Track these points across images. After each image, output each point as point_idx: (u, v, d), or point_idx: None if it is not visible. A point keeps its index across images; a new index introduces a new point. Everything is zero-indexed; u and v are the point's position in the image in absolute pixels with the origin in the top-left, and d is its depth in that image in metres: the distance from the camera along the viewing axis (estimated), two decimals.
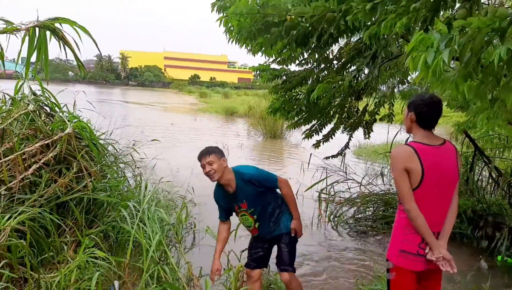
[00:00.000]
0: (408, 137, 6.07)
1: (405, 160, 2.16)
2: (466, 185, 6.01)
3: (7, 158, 2.88)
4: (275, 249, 3.20)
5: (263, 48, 3.84)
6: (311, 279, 4.22)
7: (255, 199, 2.94)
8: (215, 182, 3.03)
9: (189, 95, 55.36)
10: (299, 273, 4.30)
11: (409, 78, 5.74)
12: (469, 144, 6.35)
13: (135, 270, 3.37)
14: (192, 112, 27.13)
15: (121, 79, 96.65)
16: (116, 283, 3.08)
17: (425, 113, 2.22)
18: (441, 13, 2.34)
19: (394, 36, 2.82)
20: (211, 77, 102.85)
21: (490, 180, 6.29)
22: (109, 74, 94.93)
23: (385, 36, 2.85)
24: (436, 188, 2.20)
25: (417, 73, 1.68)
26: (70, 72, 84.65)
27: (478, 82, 1.82)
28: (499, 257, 4.77)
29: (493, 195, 6.14)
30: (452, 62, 1.88)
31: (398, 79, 5.84)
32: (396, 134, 7.00)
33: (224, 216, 3.15)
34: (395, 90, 6.22)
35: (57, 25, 2.74)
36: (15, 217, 2.61)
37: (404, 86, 6.25)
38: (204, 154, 2.86)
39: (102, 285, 2.96)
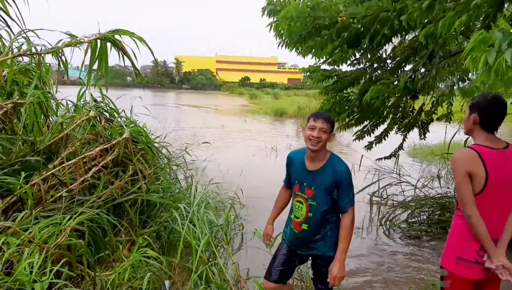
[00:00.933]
0: (468, 138, 5.72)
1: (469, 164, 2.06)
2: None
3: (70, 162, 3.06)
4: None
5: (313, 51, 3.78)
6: (361, 286, 4.09)
7: (325, 196, 2.45)
8: (285, 161, 2.70)
9: (240, 97, 56.14)
10: (347, 281, 4.19)
11: (470, 75, 5.40)
12: None
13: (184, 270, 3.45)
14: (242, 113, 27.46)
15: (175, 83, 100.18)
16: (167, 283, 3.17)
17: (490, 115, 2.10)
18: (506, 6, 2.17)
19: (453, 34, 2.66)
20: (261, 79, 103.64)
21: None
22: (164, 78, 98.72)
23: (443, 35, 2.68)
24: (499, 194, 2.08)
25: (476, 71, 1.56)
26: (128, 78, 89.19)
27: None
28: None
29: None
30: None
31: (457, 76, 5.51)
32: (455, 134, 6.61)
33: (288, 183, 2.78)
34: (455, 87, 5.88)
35: (116, 36, 2.90)
36: (75, 218, 2.76)
37: (464, 84, 5.89)
38: (323, 117, 2.43)
39: (153, 284, 3.07)
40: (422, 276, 4.21)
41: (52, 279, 2.38)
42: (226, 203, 5.55)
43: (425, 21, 2.59)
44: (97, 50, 2.71)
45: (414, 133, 6.19)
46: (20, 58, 3.16)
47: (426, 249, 5.17)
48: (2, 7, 2.55)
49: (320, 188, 2.44)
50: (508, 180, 2.08)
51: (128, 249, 3.42)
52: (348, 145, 13.33)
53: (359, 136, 5.78)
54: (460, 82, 5.78)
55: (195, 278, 3.13)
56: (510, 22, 1.46)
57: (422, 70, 3.74)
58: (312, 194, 2.48)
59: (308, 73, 5.18)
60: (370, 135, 5.77)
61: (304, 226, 2.53)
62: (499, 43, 1.33)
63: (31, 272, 2.24)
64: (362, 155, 6.65)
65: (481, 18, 2.12)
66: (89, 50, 2.70)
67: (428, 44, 2.95)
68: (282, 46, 3.60)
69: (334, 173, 2.40)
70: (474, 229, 2.07)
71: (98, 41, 2.69)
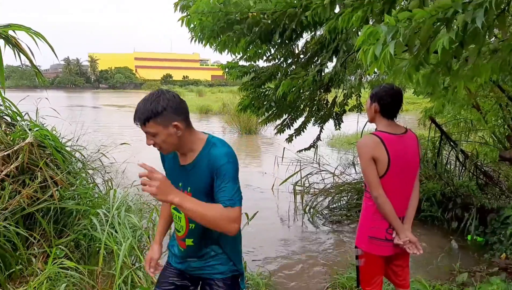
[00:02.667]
0: (376, 127, 6.20)
1: (373, 150, 2.23)
2: (434, 169, 6.19)
3: None
4: None
5: (228, 46, 3.81)
6: (288, 272, 4.26)
7: (204, 198, 1.72)
8: None
9: None
10: (277, 267, 4.34)
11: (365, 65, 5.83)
12: (436, 129, 6.53)
13: (108, 278, 3.31)
14: None
15: (91, 83, 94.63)
16: None
17: (388, 104, 2.30)
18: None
19: (354, 29, 2.86)
20: (183, 76, 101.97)
21: (457, 163, 6.50)
22: (78, 78, 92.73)
23: (345, 30, 2.88)
24: (401, 175, 2.28)
25: (367, 63, 1.71)
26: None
27: (429, 71, 1.87)
28: (469, 237, 4.95)
29: (460, 178, 6.34)
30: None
31: (364, 69, 5.92)
32: (366, 124, 7.12)
33: None
34: (363, 80, 6.32)
35: (10, 32, 2.66)
36: None
37: (371, 76, 6.36)
38: (139, 122, 1.67)
39: None
40: (345, 257, 4.49)
41: None
42: (151, 205, 5.40)
43: (329, 17, 2.75)
44: None
45: (331, 125, 6.55)
46: None
47: (347, 232, 5.54)
48: None
49: (197, 188, 1.76)
50: (408, 162, 2.30)
51: (43, 262, 3.19)
52: (271, 139, 13.70)
53: (280, 130, 5.98)
54: (368, 75, 6.22)
55: (120, 284, 3.02)
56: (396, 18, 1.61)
57: (332, 64, 3.97)
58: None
59: (227, 70, 5.21)
60: (290, 128, 5.99)
61: (189, 241, 1.88)
62: (384, 36, 1.47)
63: None
64: (284, 148, 6.88)
65: (376, 12, 2.30)
66: None
67: (334, 39, 3.15)
68: (195, 41, 3.58)
69: (209, 162, 1.72)
70: (381, 209, 2.25)
71: None
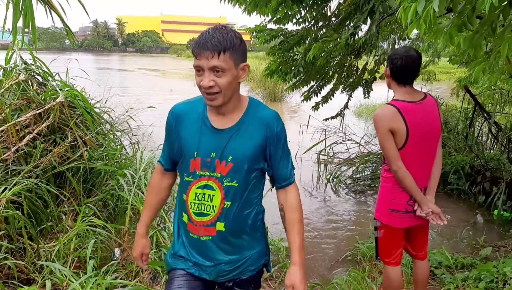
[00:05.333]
0: (394, 95, 5.98)
1: (390, 121, 2.12)
2: (465, 141, 5.99)
3: (0, 129, 2.84)
4: None
5: (258, 7, 3.69)
6: (309, 239, 4.28)
7: (251, 169, 1.49)
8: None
9: (188, 60, 54.53)
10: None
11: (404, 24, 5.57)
12: (470, 100, 6.25)
13: (134, 237, 3.41)
14: (191, 77, 26.74)
15: (118, 46, 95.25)
16: (117, 250, 3.12)
17: (400, 68, 2.14)
18: None
19: None
20: None
21: (490, 136, 6.25)
22: (106, 41, 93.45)
23: None
24: (421, 145, 2.17)
25: (407, 22, 1.59)
26: (66, 41, 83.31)
27: (472, 33, 1.73)
28: (495, 212, 4.82)
29: (492, 151, 6.11)
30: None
31: (398, 35, 5.66)
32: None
33: (169, 162, 1.64)
34: (396, 46, 6.06)
35: None
36: (11, 189, 2.60)
37: (405, 42, 6.08)
38: (210, 47, 1.34)
39: (102, 252, 3.01)
40: (367, 227, 4.47)
41: None
42: None
43: None
44: (20, 5, 2.45)
45: (359, 93, 6.37)
46: None
47: (370, 202, 5.49)
48: None
49: (241, 157, 1.46)
50: (428, 130, 2.17)
51: (72, 219, 3.30)
52: (297, 107, 13.53)
53: (306, 97, 5.86)
54: (401, 41, 5.96)
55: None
56: None
57: (365, 28, 3.78)
58: (228, 169, 1.47)
59: (254, 33, 5.08)
60: (317, 96, 5.86)
61: (220, 226, 1.50)
62: None
63: None
64: (309, 116, 6.77)
65: None
66: (11, 5, 2.43)
67: (369, 0, 2.98)
68: (225, 1, 3.47)
69: (261, 125, 1.48)
70: (401, 182, 2.17)
71: None
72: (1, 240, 2.48)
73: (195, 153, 1.49)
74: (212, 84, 1.38)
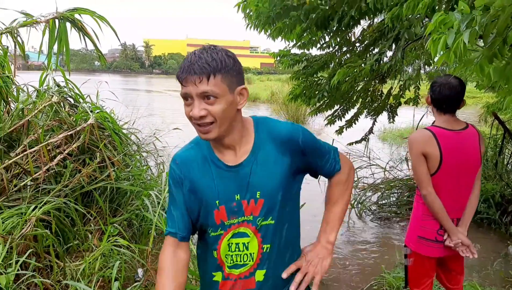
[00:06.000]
0: (434, 121, 5.90)
1: (423, 145, 2.11)
2: (495, 169, 5.80)
3: (33, 149, 2.95)
4: None
5: (282, 33, 3.76)
6: (332, 268, 4.19)
7: (285, 194, 1.29)
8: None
9: None
10: None
11: (435, 58, 5.53)
12: (498, 126, 6.09)
13: (157, 258, 3.42)
14: None
15: (145, 68, 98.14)
16: (140, 271, 3.15)
17: (441, 97, 2.13)
18: None
19: (418, 16, 2.69)
20: None
21: None
22: (134, 62, 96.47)
23: (409, 17, 2.72)
24: (455, 174, 2.13)
25: (436, 53, 1.60)
26: (96, 62, 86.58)
27: (504, 64, 1.72)
28: None
29: None
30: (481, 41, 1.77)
31: (423, 60, 5.62)
32: (422, 118, 6.79)
33: (182, 227, 1.33)
34: (421, 71, 6.01)
35: (76, 15, 2.77)
36: (40, 207, 2.68)
37: (430, 68, 6.03)
38: (197, 70, 1.14)
39: (125, 272, 3.04)
40: (392, 255, 4.35)
41: (18, 270, 2.31)
42: None
43: (392, 3, 2.61)
44: (56, 31, 2.58)
45: (384, 117, 6.31)
46: None
47: (396, 230, 5.35)
48: None
49: (270, 188, 1.25)
50: (465, 160, 2.13)
51: (98, 238, 3.36)
52: (320, 130, 13.49)
53: (330, 121, 5.84)
54: (426, 66, 5.90)
55: None
56: (471, 5, 1.49)
57: (389, 53, 3.79)
58: (260, 207, 1.26)
59: (278, 58, 5.15)
60: (341, 120, 5.83)
61: (259, 275, 1.30)
62: (458, 24, 1.36)
63: None
64: (333, 139, 6.72)
65: (445, 1, 2.15)
66: (47, 31, 2.57)
67: (395, 27, 2.99)
68: (250, 27, 3.56)
69: (282, 144, 1.27)
70: (430, 208, 2.13)
71: (56, 20, 2.56)
72: (29, 257, 2.55)
73: (217, 201, 1.25)
74: (204, 114, 1.15)
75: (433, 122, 2.26)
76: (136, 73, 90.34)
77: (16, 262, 2.35)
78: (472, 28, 1.34)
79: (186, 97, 1.18)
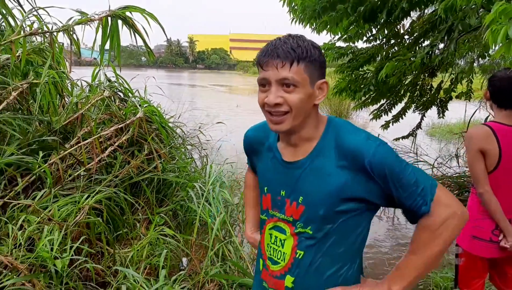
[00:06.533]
0: (488, 116, 5.59)
1: (481, 141, 2.02)
2: None
3: (86, 141, 3.10)
4: None
5: (328, 27, 3.69)
6: (376, 267, 4.10)
7: (329, 213, 1.14)
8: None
9: (254, 76, 55.77)
10: (364, 259, 4.20)
11: (490, 51, 5.22)
12: None
13: (201, 248, 3.51)
14: (256, 93, 27.28)
15: (189, 63, 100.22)
16: (184, 260, 3.24)
17: (500, 91, 2.05)
18: None
19: (473, 7, 2.55)
20: None
21: None
22: (178, 58, 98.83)
23: (463, 8, 2.58)
24: None
25: (495, 45, 1.50)
26: (143, 58, 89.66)
27: None
28: None
29: None
30: None
31: (477, 52, 5.33)
32: (475, 112, 6.45)
33: (251, 166, 1.55)
34: (475, 64, 5.70)
35: (127, 13, 2.88)
36: (93, 197, 2.81)
37: (484, 60, 5.70)
38: (281, 55, 1.09)
39: (171, 261, 3.13)
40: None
41: (72, 255, 2.45)
42: (241, 183, 5.58)
43: None
44: (108, 28, 2.70)
45: (433, 112, 6.06)
46: (34, 38, 3.18)
47: None
48: None
49: (314, 199, 1.15)
50: None
51: (145, 227, 3.49)
52: (365, 125, 13.18)
53: (376, 115, 5.69)
54: (480, 59, 5.59)
55: (212, 256, 3.18)
56: None
57: (441, 45, 3.62)
58: (300, 213, 1.18)
59: (323, 51, 5.07)
60: (387, 114, 5.67)
61: (288, 281, 1.22)
62: None
63: (51, 249, 2.30)
64: (378, 134, 6.55)
65: None
66: (100, 28, 2.68)
67: (448, 18, 2.85)
68: (295, 22, 3.52)
69: (343, 158, 1.12)
70: (487, 207, 2.05)
71: (109, 18, 2.67)
72: (82, 244, 2.69)
73: (265, 188, 1.27)
74: (280, 101, 1.09)
75: (486, 118, 2.16)
76: (180, 68, 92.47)
77: (71, 247, 2.49)
78: None
79: (263, 82, 1.13)
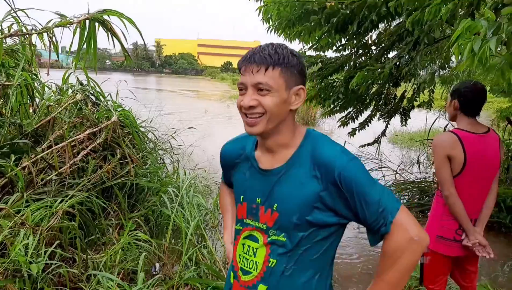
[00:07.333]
0: (447, 124, 5.91)
1: (449, 148, 2.17)
2: (506, 173, 5.81)
3: (58, 146, 3.05)
4: None
5: (301, 36, 3.82)
6: (345, 270, 4.23)
7: (302, 221, 1.17)
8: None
9: (222, 82, 55.80)
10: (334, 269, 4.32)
11: (450, 62, 5.54)
12: (511, 131, 6.09)
13: (174, 253, 3.51)
14: (224, 99, 27.31)
15: (156, 67, 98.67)
16: (157, 265, 3.24)
17: (470, 101, 2.23)
18: None
19: (438, 21, 2.74)
20: None
21: None
22: (145, 62, 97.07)
23: (429, 21, 2.77)
24: (477, 176, 2.20)
25: (460, 58, 1.65)
26: (107, 61, 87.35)
27: None
28: None
29: None
30: (499, 47, 1.82)
31: (439, 63, 5.64)
32: (435, 121, 6.80)
33: (226, 180, 1.54)
34: (435, 75, 6.02)
35: (105, 16, 2.87)
36: (66, 201, 2.77)
37: (444, 71, 6.04)
38: (257, 59, 1.14)
39: (144, 265, 3.12)
40: None
41: (46, 260, 2.40)
42: (212, 188, 5.60)
43: (411, 8, 2.66)
44: (86, 32, 2.68)
45: (396, 120, 6.34)
46: (6, 39, 3.10)
47: None
48: None
49: (289, 206, 1.18)
50: (486, 163, 2.21)
51: (117, 232, 3.45)
52: (332, 131, 13.50)
53: (344, 123, 5.87)
54: (440, 70, 5.91)
55: (185, 260, 3.19)
56: (493, 11, 1.54)
57: (406, 56, 3.83)
58: (274, 220, 1.20)
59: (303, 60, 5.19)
60: (354, 122, 5.87)
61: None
62: (485, 31, 1.41)
63: (26, 254, 2.26)
64: (345, 141, 6.76)
65: (465, 7, 2.21)
66: (77, 31, 2.66)
67: (414, 30, 3.04)
68: (271, 31, 3.62)
69: (317, 168, 1.15)
70: (451, 208, 2.20)
71: (87, 21, 2.66)
72: (55, 248, 2.63)
73: (241, 197, 1.29)
74: (254, 104, 1.13)
75: (446, 126, 2.34)
76: (146, 72, 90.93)
77: (45, 252, 2.45)
78: (498, 35, 1.40)
79: (241, 87, 1.17)
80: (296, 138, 1.21)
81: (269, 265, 1.20)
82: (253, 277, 1.23)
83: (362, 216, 1.13)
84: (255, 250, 1.23)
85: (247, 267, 1.24)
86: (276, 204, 1.19)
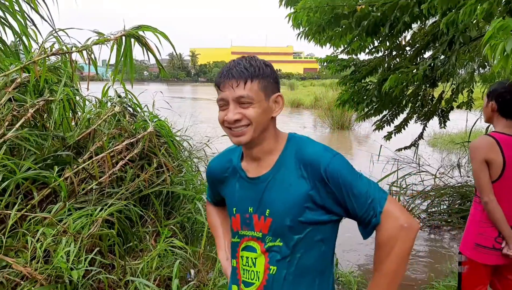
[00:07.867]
0: (489, 125, 5.65)
1: (486, 151, 2.09)
2: None
3: (98, 156, 3.19)
4: None
5: (331, 40, 3.80)
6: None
7: (295, 223, 1.19)
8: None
9: None
10: (369, 269, 4.23)
11: (491, 61, 5.32)
12: None
13: (208, 259, 3.56)
14: None
15: (191, 76, 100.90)
16: (192, 271, 3.29)
17: (508, 102, 2.13)
18: None
19: (474, 21, 2.64)
20: (277, 69, 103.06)
21: None
22: (180, 72, 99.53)
23: (464, 21, 2.67)
24: None
25: (497, 60, 1.59)
26: (145, 72, 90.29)
27: None
28: None
29: None
30: None
31: (478, 62, 5.42)
32: (476, 122, 6.52)
33: (213, 198, 1.55)
34: (475, 74, 5.78)
35: (140, 32, 3.00)
36: (106, 209, 2.88)
37: (485, 70, 5.79)
38: (235, 75, 1.17)
39: (179, 272, 3.18)
40: (442, 264, 4.22)
41: (86, 267, 2.50)
42: None
43: (445, 7, 2.58)
44: (122, 47, 2.81)
45: (434, 122, 6.14)
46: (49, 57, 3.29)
47: (447, 239, 5.17)
48: (33, 6, 2.69)
49: (280, 209, 1.20)
50: None
51: (154, 239, 3.55)
52: (367, 135, 13.25)
53: (379, 126, 5.75)
54: (480, 68, 5.68)
55: (220, 267, 3.22)
56: None
57: (442, 57, 3.71)
58: (268, 226, 1.22)
59: (325, 64, 5.16)
60: (389, 125, 5.74)
61: None
62: None
63: (67, 260, 2.36)
64: (381, 145, 6.62)
65: (502, 3, 2.12)
66: (115, 47, 2.79)
67: (449, 30, 2.95)
68: (301, 37, 3.63)
69: (303, 168, 1.19)
70: (491, 215, 2.10)
71: (123, 38, 2.79)
72: (96, 255, 2.74)
73: (234, 209, 1.30)
74: (239, 117, 1.16)
75: (487, 127, 2.24)
76: (182, 81, 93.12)
77: (85, 259, 2.55)
78: None
79: (221, 103, 1.20)
80: (279, 143, 1.26)
81: (270, 272, 1.22)
82: (256, 287, 1.24)
83: (352, 210, 1.16)
84: (254, 260, 1.25)
85: (249, 279, 1.26)
86: (268, 210, 1.21)
